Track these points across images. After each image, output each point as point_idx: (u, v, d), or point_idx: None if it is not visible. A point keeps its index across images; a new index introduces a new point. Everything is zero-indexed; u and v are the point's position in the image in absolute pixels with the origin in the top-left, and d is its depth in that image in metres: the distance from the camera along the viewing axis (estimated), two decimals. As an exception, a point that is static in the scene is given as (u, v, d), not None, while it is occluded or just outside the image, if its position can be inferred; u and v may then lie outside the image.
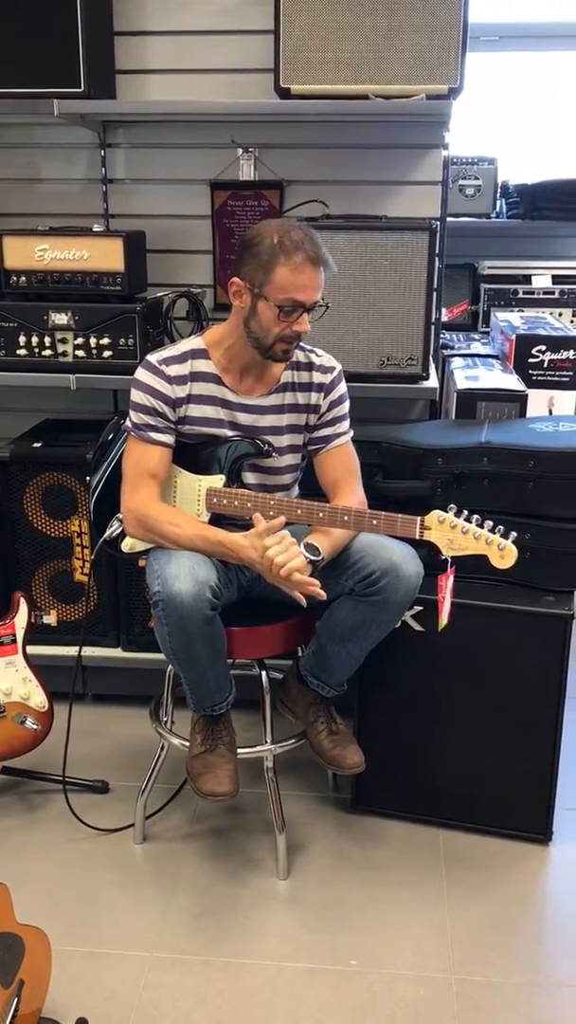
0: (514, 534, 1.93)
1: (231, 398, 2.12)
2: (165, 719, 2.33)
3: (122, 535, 2.18)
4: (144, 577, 2.10)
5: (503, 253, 4.04)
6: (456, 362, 2.98)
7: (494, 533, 1.93)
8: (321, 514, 2.01)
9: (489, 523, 1.94)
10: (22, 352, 2.61)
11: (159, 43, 2.75)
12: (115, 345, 2.58)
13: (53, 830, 2.37)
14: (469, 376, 2.74)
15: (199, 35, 2.72)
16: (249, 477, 2.17)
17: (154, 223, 2.83)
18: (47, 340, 2.60)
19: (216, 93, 2.73)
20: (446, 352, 3.15)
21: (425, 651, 2.25)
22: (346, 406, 2.21)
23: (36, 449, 2.74)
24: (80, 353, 2.60)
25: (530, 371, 2.81)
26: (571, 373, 2.80)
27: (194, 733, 2.17)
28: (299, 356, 2.16)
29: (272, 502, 2.05)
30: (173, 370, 2.09)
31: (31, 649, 2.42)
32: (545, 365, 2.81)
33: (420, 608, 2.19)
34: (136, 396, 2.09)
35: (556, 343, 2.80)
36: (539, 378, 2.81)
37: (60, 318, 2.58)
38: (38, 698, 2.39)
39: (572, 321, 3.81)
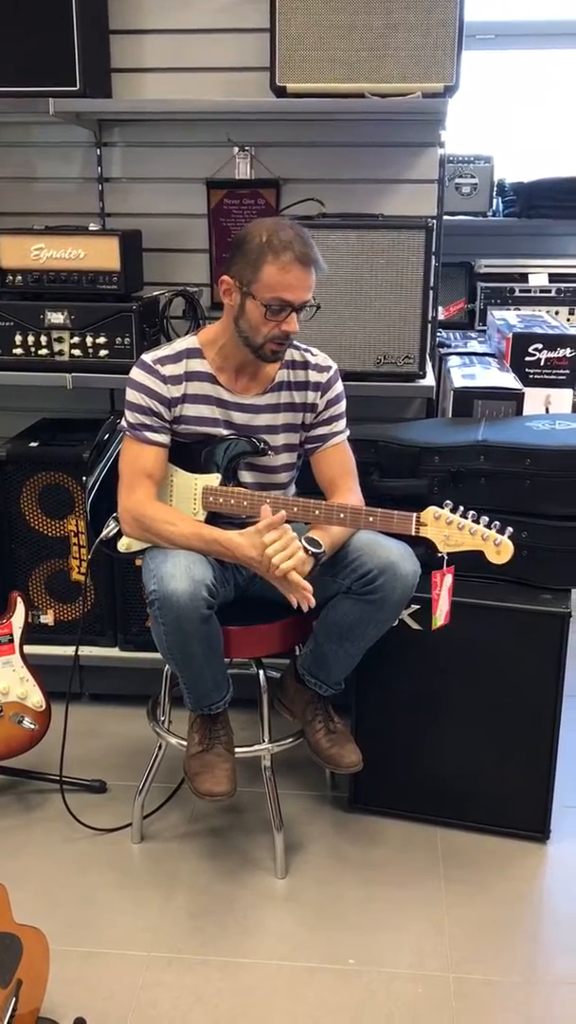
0: (510, 529, 1.93)
1: (226, 397, 2.12)
2: (162, 718, 2.33)
3: (118, 535, 2.17)
4: (141, 576, 2.09)
5: (499, 251, 4.04)
6: (453, 360, 2.98)
7: (490, 529, 1.93)
8: (317, 512, 2.01)
9: (485, 519, 1.94)
10: (18, 351, 2.60)
11: (155, 41, 2.75)
12: (111, 344, 2.58)
13: (51, 830, 2.37)
14: (466, 374, 2.74)
15: (195, 33, 2.72)
16: (245, 476, 2.17)
17: (150, 222, 2.83)
18: (43, 339, 2.59)
19: (212, 91, 2.72)
20: (443, 350, 3.15)
21: (423, 650, 2.25)
22: (343, 405, 2.21)
23: (33, 448, 2.73)
24: (76, 352, 2.59)
25: (527, 369, 2.81)
26: (568, 371, 2.81)
27: (191, 732, 2.17)
28: (295, 355, 2.16)
29: (268, 500, 2.05)
30: (168, 369, 2.08)
31: (28, 649, 2.42)
32: (542, 363, 2.81)
33: (417, 607, 2.19)
34: (131, 396, 2.09)
35: (553, 341, 2.81)
36: (536, 376, 2.81)
37: (56, 317, 2.58)
38: (35, 698, 2.39)
39: (569, 319, 3.81)
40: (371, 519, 1.98)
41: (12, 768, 2.47)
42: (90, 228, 2.64)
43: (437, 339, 2.97)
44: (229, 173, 2.80)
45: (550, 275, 3.94)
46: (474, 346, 3.31)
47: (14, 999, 1.58)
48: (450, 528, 1.93)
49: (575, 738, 2.55)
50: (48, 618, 2.83)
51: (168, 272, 2.86)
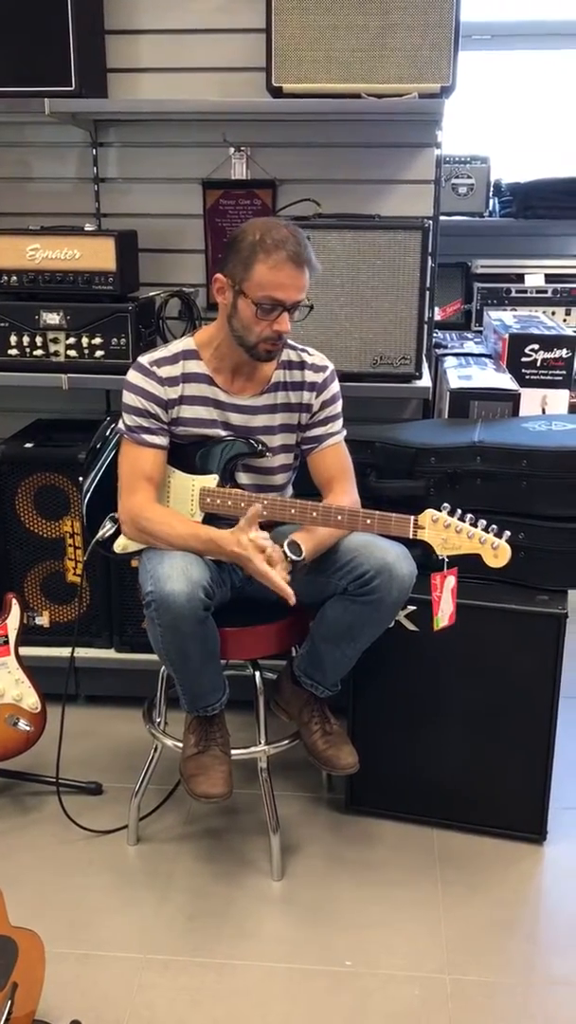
0: (508, 533, 1.93)
1: (223, 398, 2.12)
2: (158, 720, 2.33)
3: (115, 536, 2.17)
4: (137, 578, 2.09)
5: (496, 252, 4.04)
6: (449, 361, 2.98)
7: (488, 532, 1.93)
8: (315, 513, 2.01)
9: (483, 522, 1.94)
10: (13, 352, 2.60)
11: (151, 41, 2.74)
12: (107, 345, 2.57)
13: (46, 832, 2.37)
14: (462, 375, 2.74)
15: (191, 33, 2.72)
16: (243, 477, 2.16)
17: (146, 222, 2.82)
18: (39, 340, 2.59)
19: (208, 92, 2.72)
20: (439, 351, 3.15)
21: (419, 651, 2.25)
22: (339, 405, 2.20)
23: (28, 449, 2.73)
24: (72, 353, 2.59)
25: (523, 370, 2.81)
26: (564, 372, 2.81)
27: (187, 734, 2.17)
28: (291, 355, 2.16)
29: (265, 502, 2.04)
30: (165, 371, 2.08)
31: (23, 650, 2.41)
32: (538, 364, 2.81)
33: (414, 608, 2.19)
34: (128, 399, 2.09)
35: (549, 342, 2.80)
36: (532, 377, 2.81)
37: (52, 318, 2.57)
38: (31, 699, 2.38)
39: (565, 320, 3.81)
40: (368, 521, 1.98)
41: (8, 770, 2.47)
42: (86, 228, 2.64)
43: (433, 340, 2.96)
44: (225, 173, 2.79)
45: (546, 276, 3.94)
46: (470, 347, 3.31)
47: (10, 1002, 1.58)
48: (448, 531, 1.93)
49: (572, 739, 2.56)
50: (44, 620, 2.83)
51: (164, 273, 2.85)
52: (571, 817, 2.42)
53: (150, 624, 1.99)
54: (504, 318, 3.25)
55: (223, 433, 2.12)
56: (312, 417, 2.17)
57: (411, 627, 2.24)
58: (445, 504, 1.95)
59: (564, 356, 2.79)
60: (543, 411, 2.74)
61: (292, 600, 1.93)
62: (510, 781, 2.29)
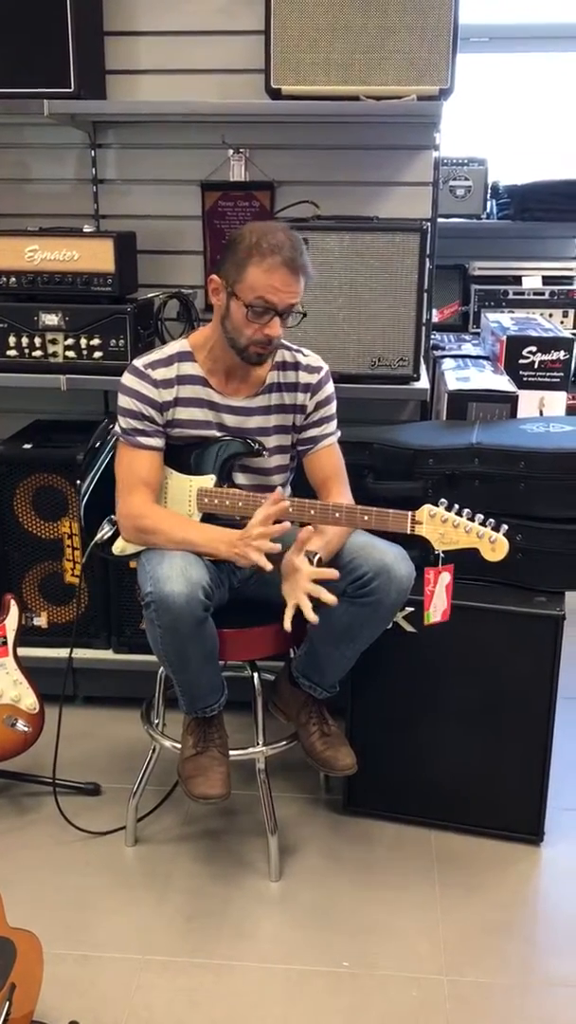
0: (505, 527, 1.93)
1: (218, 400, 2.12)
2: (156, 721, 2.33)
3: (113, 538, 2.17)
4: (135, 579, 2.09)
5: (493, 254, 4.05)
6: (447, 363, 2.98)
7: (485, 526, 1.93)
8: (312, 511, 2.01)
9: (480, 516, 1.94)
10: (12, 353, 2.60)
11: (149, 43, 2.75)
12: (105, 346, 2.57)
13: (44, 833, 2.36)
14: (460, 377, 2.74)
15: (190, 35, 2.72)
16: (240, 478, 2.17)
17: (145, 224, 2.82)
18: (37, 341, 2.59)
19: (207, 93, 2.72)
20: (437, 353, 3.15)
21: (417, 652, 2.25)
22: (333, 407, 2.21)
23: (26, 450, 2.73)
24: (70, 354, 2.59)
25: (521, 372, 2.81)
26: (561, 374, 2.81)
27: (186, 735, 2.17)
28: (285, 356, 2.16)
29: (263, 500, 2.04)
30: (160, 374, 2.08)
31: (21, 651, 2.41)
32: (536, 366, 2.82)
33: (412, 609, 2.19)
34: (123, 401, 2.09)
35: (547, 344, 2.81)
36: (530, 379, 2.82)
37: (50, 319, 2.57)
38: (29, 700, 2.38)
39: (562, 322, 3.82)
40: (366, 517, 1.98)
41: (5, 771, 2.46)
42: (84, 230, 2.64)
43: (431, 342, 2.97)
44: (224, 175, 2.80)
45: (544, 278, 3.95)
46: (468, 349, 3.31)
47: (8, 1003, 1.57)
48: (445, 526, 1.94)
49: (570, 740, 2.56)
50: (42, 620, 2.83)
51: (162, 274, 2.85)
52: (569, 818, 2.42)
53: (149, 625, 1.99)
54: (502, 320, 3.26)
55: (218, 435, 2.12)
56: (307, 418, 2.17)
57: (409, 628, 2.24)
58: (442, 500, 1.95)
59: (561, 358, 2.80)
60: (541, 413, 2.74)
61: (269, 568, 1.93)
62: (508, 782, 2.30)
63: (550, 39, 4.27)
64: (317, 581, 1.93)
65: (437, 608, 2.03)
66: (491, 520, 1.94)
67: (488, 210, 4.12)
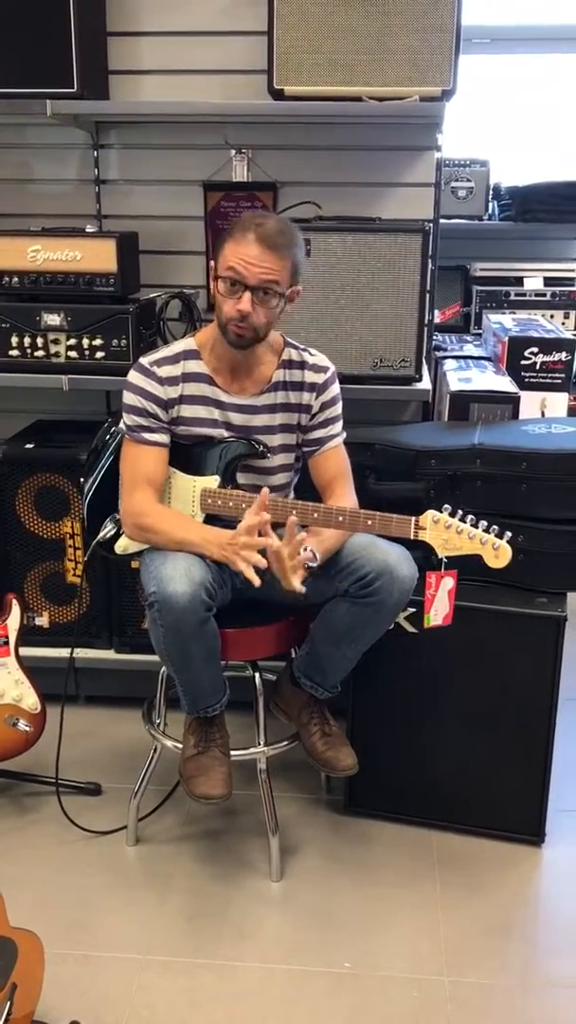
0: (508, 534, 1.93)
1: (223, 398, 2.12)
2: (158, 721, 2.33)
3: (115, 536, 2.17)
4: (137, 579, 2.09)
5: (495, 255, 4.05)
6: (449, 364, 2.98)
7: (488, 533, 1.93)
8: (316, 514, 2.01)
9: (484, 523, 1.95)
10: (14, 353, 2.60)
11: (152, 44, 2.75)
12: (108, 346, 2.57)
13: (45, 832, 2.37)
14: (462, 378, 2.74)
15: (192, 36, 2.72)
16: (241, 477, 2.17)
17: (147, 224, 2.82)
18: (39, 341, 2.59)
19: (209, 94, 2.72)
20: (439, 354, 3.15)
21: (419, 653, 2.25)
22: (339, 408, 2.21)
23: (28, 450, 2.73)
24: (72, 354, 2.59)
25: (522, 373, 2.82)
26: (563, 375, 2.81)
27: (187, 735, 2.17)
28: (292, 355, 2.16)
29: (267, 503, 2.05)
30: (165, 371, 2.09)
31: (23, 651, 2.41)
32: (537, 367, 2.82)
33: (414, 610, 2.19)
34: (128, 399, 2.09)
35: (548, 345, 2.81)
36: (531, 380, 2.82)
37: (53, 319, 2.57)
38: (30, 700, 2.38)
39: (564, 323, 3.82)
40: (369, 522, 1.98)
41: (7, 770, 2.46)
42: (87, 230, 2.64)
43: (433, 342, 2.97)
44: (226, 175, 2.80)
45: (545, 279, 3.95)
46: (470, 349, 3.31)
47: (9, 1003, 1.57)
48: (448, 532, 1.94)
49: (571, 741, 2.56)
50: (43, 620, 2.83)
51: (165, 274, 2.85)
52: (570, 819, 2.42)
53: (152, 624, 1.99)
54: (503, 321, 3.26)
55: (224, 433, 2.12)
56: (312, 419, 2.17)
57: (411, 629, 2.24)
58: (446, 505, 1.96)
59: (563, 359, 2.80)
60: (542, 414, 2.75)
61: (257, 583, 1.92)
62: (509, 783, 2.30)
63: (552, 40, 4.27)
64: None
65: (438, 612, 2.03)
66: (495, 527, 1.94)
67: (490, 211, 4.12)
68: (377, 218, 2.65)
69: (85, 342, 2.57)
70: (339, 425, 2.20)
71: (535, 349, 2.82)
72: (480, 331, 3.77)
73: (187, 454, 2.12)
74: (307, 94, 2.48)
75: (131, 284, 2.68)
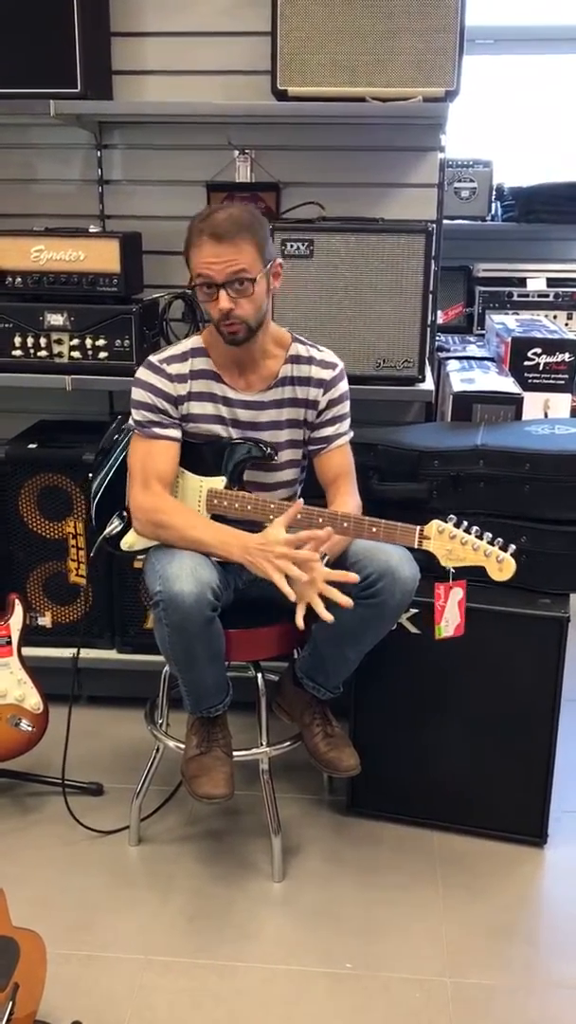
0: (513, 547, 1.93)
1: (231, 395, 2.12)
2: (160, 721, 2.33)
3: (122, 532, 2.17)
4: (140, 579, 2.09)
5: (498, 256, 4.05)
6: (452, 364, 2.98)
7: (493, 545, 1.93)
8: (321, 520, 2.01)
9: (488, 535, 1.94)
10: (17, 353, 2.60)
11: (156, 44, 2.75)
12: (111, 346, 2.57)
13: (48, 832, 2.37)
14: (465, 379, 2.74)
15: (196, 36, 2.72)
16: (248, 474, 2.16)
17: (150, 224, 2.82)
18: (43, 341, 2.59)
19: (213, 94, 2.73)
20: (441, 355, 3.15)
21: (421, 654, 2.25)
22: (346, 405, 2.20)
23: (31, 450, 2.73)
24: (76, 354, 2.59)
25: (526, 374, 2.82)
26: (566, 376, 2.81)
27: (190, 735, 2.17)
28: (300, 350, 2.16)
29: (272, 506, 2.05)
30: (174, 368, 2.09)
31: (26, 651, 2.41)
32: (541, 368, 2.82)
33: (416, 611, 2.19)
34: (138, 395, 2.09)
35: (551, 346, 2.81)
36: (535, 381, 2.82)
37: (56, 319, 2.58)
38: (33, 700, 2.38)
39: (567, 324, 3.82)
40: (374, 529, 1.98)
41: (9, 770, 2.47)
42: (90, 230, 2.64)
43: (436, 343, 2.97)
44: (229, 176, 2.80)
45: (548, 280, 3.95)
46: (473, 350, 3.31)
47: (11, 1003, 1.57)
48: (453, 543, 1.94)
49: (573, 742, 2.55)
50: (46, 620, 2.83)
51: (168, 274, 2.85)
52: (572, 820, 2.42)
53: (157, 624, 1.99)
54: (506, 322, 3.26)
55: (232, 430, 2.13)
56: (319, 416, 2.17)
57: (413, 630, 2.24)
58: (451, 516, 1.95)
59: (566, 360, 2.80)
60: (545, 415, 2.75)
61: (294, 598, 1.92)
62: (511, 784, 2.30)
63: (555, 41, 4.27)
64: (331, 583, 1.93)
65: (449, 623, 2.03)
66: (500, 539, 1.94)
67: (493, 212, 4.12)
68: (380, 219, 2.65)
69: (88, 342, 2.58)
70: (346, 423, 2.20)
71: (538, 350, 2.82)
72: (483, 332, 3.77)
73: (195, 454, 2.12)
74: (310, 95, 2.48)
75: (134, 284, 2.68)
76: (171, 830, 2.39)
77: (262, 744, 2.21)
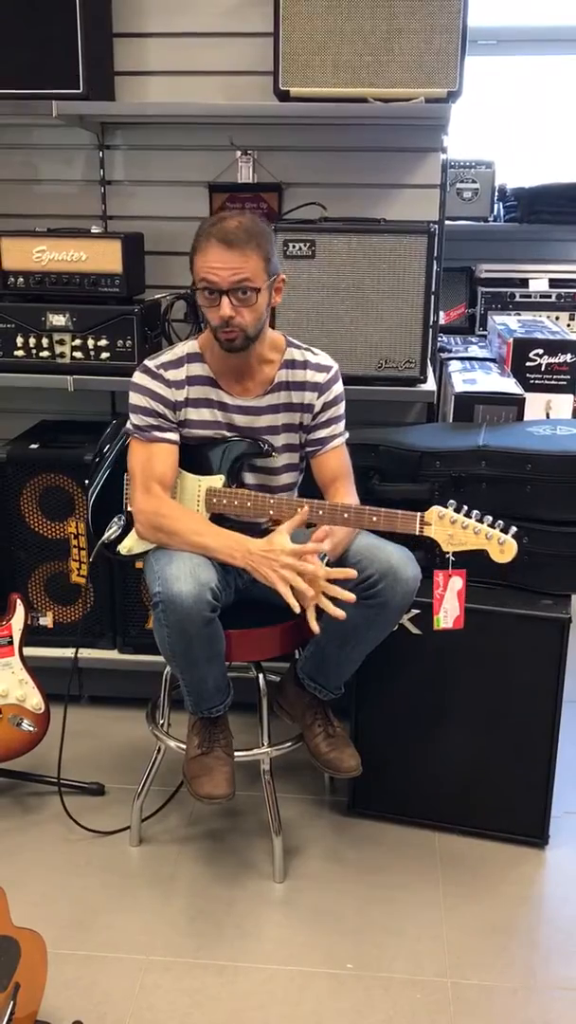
0: (514, 528, 1.93)
1: (227, 400, 2.12)
2: (161, 721, 2.33)
3: (120, 537, 2.17)
4: (141, 579, 2.10)
5: (500, 256, 4.05)
6: (454, 365, 2.98)
7: (494, 528, 1.93)
8: (320, 512, 2.01)
9: (489, 518, 1.94)
10: (19, 353, 2.60)
11: (158, 45, 2.75)
12: (113, 347, 2.58)
13: (49, 832, 2.37)
14: (467, 379, 2.74)
15: (198, 37, 2.72)
16: (247, 477, 2.17)
17: (152, 225, 2.83)
18: (45, 341, 2.59)
19: (215, 95, 2.73)
20: (443, 355, 3.15)
21: (422, 655, 2.25)
22: (342, 407, 2.20)
23: (33, 450, 2.73)
24: (78, 355, 2.59)
25: (527, 374, 2.81)
26: (568, 376, 2.81)
27: (191, 735, 2.17)
28: (294, 354, 2.16)
29: (272, 501, 2.05)
30: (171, 374, 2.09)
31: (27, 651, 2.41)
32: (542, 368, 2.82)
33: (418, 611, 2.19)
34: (136, 400, 2.09)
35: (554, 347, 2.81)
36: (536, 381, 2.82)
37: (58, 319, 2.58)
38: (34, 700, 2.38)
39: (569, 325, 3.82)
40: (375, 518, 1.98)
41: (11, 770, 2.47)
42: (92, 231, 2.65)
43: (438, 344, 2.97)
44: (231, 177, 2.80)
45: (550, 280, 3.95)
46: (475, 351, 3.31)
47: (12, 1002, 1.58)
48: (454, 527, 1.94)
49: (574, 744, 2.55)
50: (47, 620, 2.83)
51: (170, 275, 2.86)
52: (573, 821, 2.42)
53: (157, 624, 1.99)
54: (508, 322, 3.26)
55: (228, 435, 2.13)
56: (315, 418, 2.17)
57: (415, 631, 2.24)
58: (451, 501, 1.95)
59: (568, 361, 2.80)
60: (547, 415, 2.74)
61: (298, 609, 1.93)
62: (512, 785, 2.29)
63: (558, 42, 4.27)
64: (332, 580, 1.93)
65: (448, 614, 2.03)
66: (500, 522, 1.94)
67: (495, 213, 4.12)
68: (382, 219, 2.65)
69: (90, 343, 2.58)
70: (342, 425, 2.20)
71: (540, 351, 2.82)
72: (485, 332, 3.77)
73: (192, 454, 2.13)
74: (313, 95, 2.48)
75: (136, 285, 2.68)
76: (172, 830, 2.39)
77: (263, 744, 2.21)
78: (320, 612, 2.01)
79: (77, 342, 2.58)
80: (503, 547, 1.92)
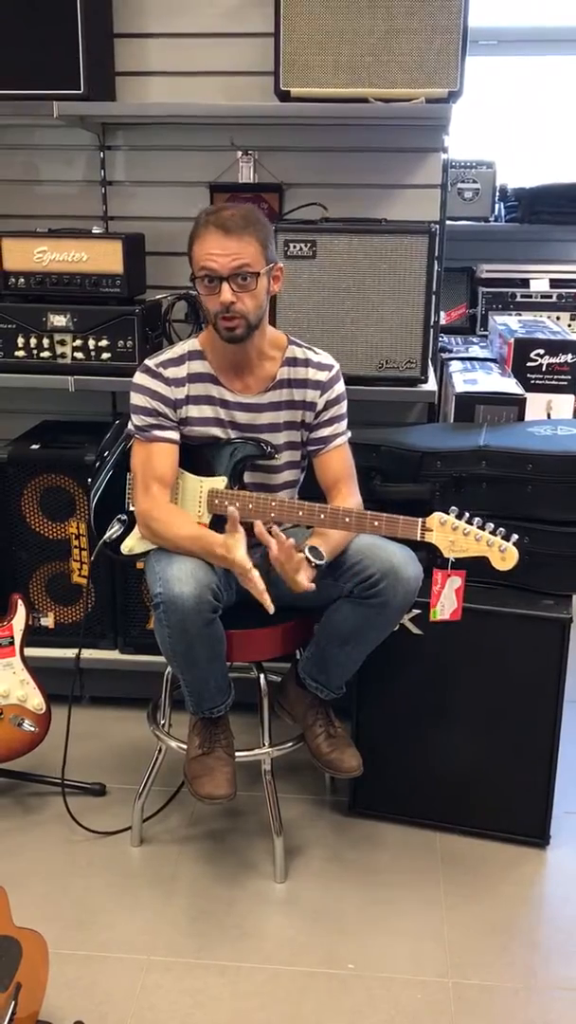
0: (515, 536, 1.93)
1: (228, 397, 2.12)
2: (163, 722, 2.33)
3: (122, 537, 2.18)
4: (142, 579, 2.10)
5: (501, 257, 4.05)
6: (454, 365, 2.98)
7: (495, 535, 1.93)
8: (322, 515, 2.01)
9: (490, 525, 1.94)
10: (20, 353, 2.60)
11: (159, 45, 2.75)
12: (114, 347, 2.58)
13: (50, 832, 2.37)
14: (468, 379, 2.74)
15: (199, 37, 2.73)
16: (248, 476, 2.17)
17: (153, 225, 2.83)
18: (46, 342, 2.59)
19: (216, 95, 2.73)
20: (444, 355, 3.15)
21: (423, 654, 2.25)
22: (344, 406, 2.20)
23: (34, 451, 2.73)
24: (79, 355, 2.59)
25: (528, 375, 2.81)
26: (569, 377, 2.81)
27: (192, 736, 2.17)
28: (296, 352, 2.16)
29: (273, 503, 2.05)
30: (171, 372, 2.09)
31: (28, 651, 2.41)
32: (543, 369, 2.82)
33: (419, 611, 2.19)
34: (136, 399, 2.10)
35: (554, 347, 2.81)
36: (537, 382, 2.82)
37: (59, 320, 2.58)
38: (35, 700, 2.38)
39: (570, 325, 3.82)
40: (376, 523, 1.98)
41: (12, 770, 2.47)
42: (93, 231, 2.65)
43: (439, 344, 2.97)
44: (232, 177, 2.80)
45: (551, 281, 3.94)
46: (476, 351, 3.31)
47: (13, 1003, 1.58)
48: (455, 534, 1.94)
49: (575, 744, 2.55)
50: (49, 620, 2.83)
51: (171, 275, 2.85)
52: (574, 822, 2.42)
53: (158, 625, 2.00)
54: (509, 323, 3.26)
55: (231, 432, 2.13)
56: (317, 417, 2.17)
57: (415, 631, 2.24)
58: (453, 507, 1.96)
59: (569, 361, 2.80)
60: (548, 415, 2.74)
61: (271, 609, 1.95)
62: (514, 785, 2.29)
63: (559, 42, 4.27)
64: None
65: (445, 607, 2.03)
66: (501, 529, 1.94)
67: (496, 213, 4.12)
68: (383, 219, 2.65)
69: (91, 343, 2.58)
70: (344, 424, 2.20)
71: (541, 351, 2.82)
72: (486, 333, 3.77)
73: (196, 455, 2.13)
74: (313, 96, 2.48)
75: (137, 285, 2.68)
76: (173, 830, 2.40)
77: (264, 744, 2.21)
78: (319, 611, 2.02)
79: (78, 342, 2.58)
80: (504, 555, 1.93)
